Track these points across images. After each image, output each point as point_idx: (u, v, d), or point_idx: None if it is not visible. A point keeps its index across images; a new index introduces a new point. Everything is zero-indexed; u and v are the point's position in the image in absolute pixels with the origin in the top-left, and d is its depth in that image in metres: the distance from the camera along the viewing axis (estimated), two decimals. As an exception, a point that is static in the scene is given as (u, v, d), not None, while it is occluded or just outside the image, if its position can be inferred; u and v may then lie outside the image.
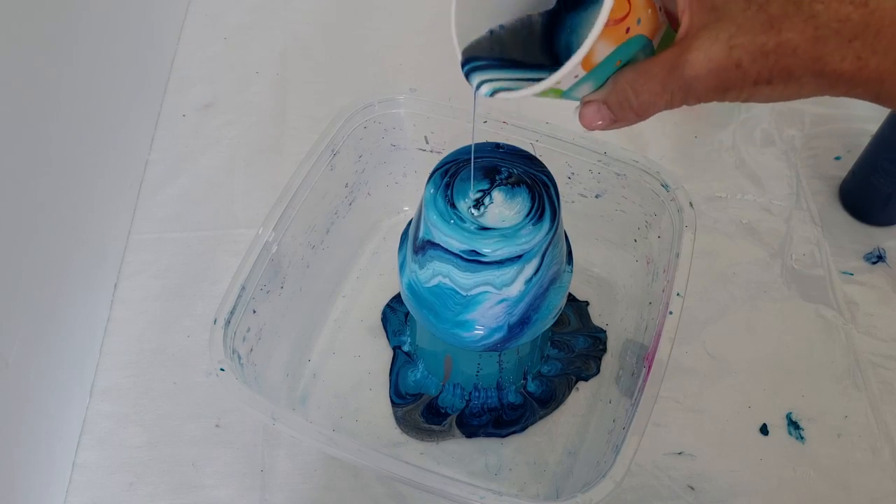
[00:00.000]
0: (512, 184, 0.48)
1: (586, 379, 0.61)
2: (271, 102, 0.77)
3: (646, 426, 0.46)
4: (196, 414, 0.59)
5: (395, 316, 0.64)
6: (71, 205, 0.61)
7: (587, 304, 0.64)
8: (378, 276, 0.66)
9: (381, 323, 0.64)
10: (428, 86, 0.77)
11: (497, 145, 0.51)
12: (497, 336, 0.50)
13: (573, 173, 0.60)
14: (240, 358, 0.52)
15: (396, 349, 0.62)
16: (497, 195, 0.48)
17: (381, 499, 0.55)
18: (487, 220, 0.47)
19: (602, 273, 0.66)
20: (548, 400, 0.60)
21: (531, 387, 0.60)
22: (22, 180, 0.54)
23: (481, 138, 0.58)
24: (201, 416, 0.59)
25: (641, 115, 0.36)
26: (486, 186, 0.48)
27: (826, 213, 0.69)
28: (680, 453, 0.57)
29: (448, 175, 0.49)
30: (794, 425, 0.58)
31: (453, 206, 0.48)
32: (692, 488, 0.56)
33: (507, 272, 0.49)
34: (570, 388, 0.60)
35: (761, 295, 0.65)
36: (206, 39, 0.82)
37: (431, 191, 0.48)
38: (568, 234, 0.55)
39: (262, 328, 0.55)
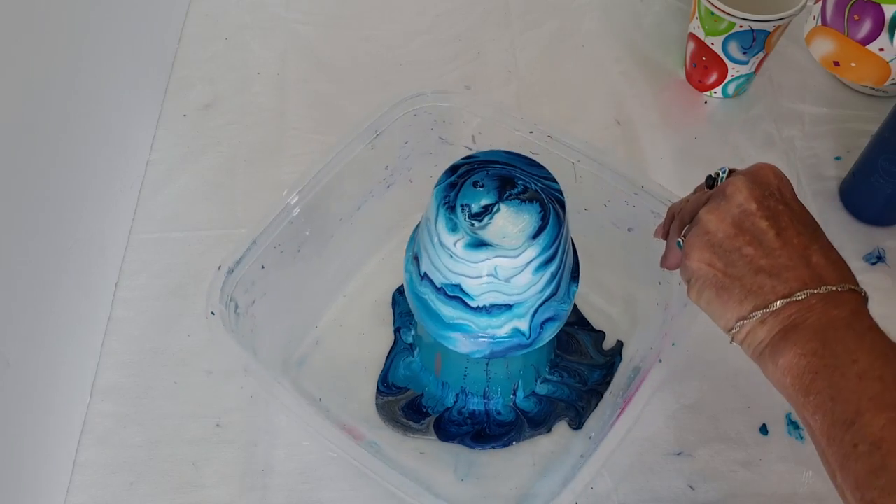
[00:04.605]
0: (523, 199, 0.47)
1: (578, 424, 0.58)
2: (271, 102, 0.77)
3: (601, 466, 0.46)
4: (196, 414, 0.59)
5: (404, 301, 0.64)
6: (71, 205, 0.61)
7: (604, 335, 0.62)
8: (401, 262, 0.66)
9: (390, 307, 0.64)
10: (428, 86, 0.78)
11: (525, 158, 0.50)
12: (479, 354, 0.51)
13: (609, 201, 0.59)
14: (237, 307, 0.53)
15: (397, 333, 0.62)
16: (504, 209, 0.47)
17: (381, 499, 0.55)
18: (489, 232, 0.46)
19: (621, 308, 0.64)
20: (541, 422, 0.58)
21: (526, 404, 0.59)
22: (22, 180, 0.54)
23: (525, 149, 0.56)
24: (201, 416, 0.59)
25: None
26: (493, 200, 0.47)
27: (826, 213, 0.69)
28: (679, 453, 0.57)
29: (457, 174, 0.49)
30: (793, 425, 0.58)
31: (452, 209, 0.47)
32: (692, 488, 0.56)
33: (495, 320, 0.48)
34: (566, 416, 0.58)
35: (761, 295, 0.65)
36: (207, 39, 0.82)
37: (439, 187, 0.48)
38: (596, 261, 0.54)
39: (269, 285, 0.55)
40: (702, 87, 0.77)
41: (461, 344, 0.50)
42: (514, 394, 0.59)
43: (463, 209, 0.47)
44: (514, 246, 0.46)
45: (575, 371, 0.60)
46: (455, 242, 0.46)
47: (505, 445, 0.57)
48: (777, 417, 0.59)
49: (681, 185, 0.70)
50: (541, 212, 0.47)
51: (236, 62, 0.80)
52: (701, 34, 0.72)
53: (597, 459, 0.46)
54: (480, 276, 0.47)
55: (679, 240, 0.45)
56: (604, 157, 0.57)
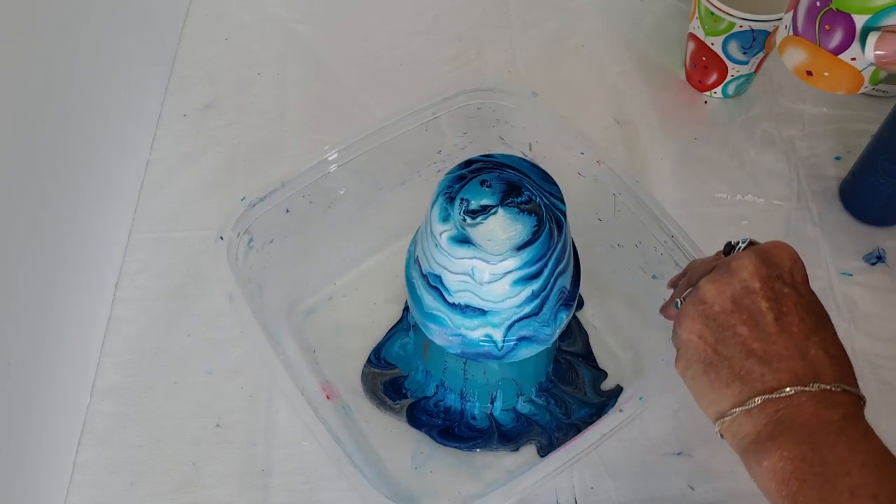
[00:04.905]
0: (523, 209, 0.47)
1: (546, 452, 0.57)
2: (271, 102, 0.77)
3: (533, 483, 0.46)
4: (196, 414, 0.59)
5: None
6: (71, 205, 0.61)
7: (605, 375, 0.61)
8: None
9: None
10: (429, 86, 0.78)
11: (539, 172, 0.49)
12: (452, 350, 0.51)
13: (640, 242, 0.57)
14: (251, 241, 0.53)
15: (404, 312, 0.63)
16: (501, 213, 0.46)
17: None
18: (477, 233, 0.46)
19: (631, 354, 0.62)
20: (512, 439, 0.57)
21: (503, 417, 0.58)
22: (23, 180, 0.54)
23: (573, 169, 0.56)
24: (202, 416, 0.59)
25: None
26: (494, 202, 0.47)
27: (826, 213, 0.69)
28: (679, 453, 0.57)
29: (469, 169, 0.48)
30: (793, 425, 0.58)
31: (450, 200, 0.47)
32: (692, 488, 0.56)
33: (468, 321, 0.48)
34: (538, 441, 0.57)
35: (761, 295, 0.65)
36: (207, 39, 0.82)
37: (447, 176, 0.48)
38: (617, 301, 0.53)
39: (291, 230, 0.56)
40: (702, 87, 0.77)
41: (437, 335, 0.50)
42: (492, 403, 0.58)
43: (461, 203, 0.47)
44: (496, 252, 0.45)
45: (563, 401, 0.59)
46: (442, 233, 0.46)
47: (469, 449, 0.57)
48: (777, 417, 0.59)
49: (681, 185, 0.71)
50: (535, 226, 0.46)
51: (236, 62, 0.80)
52: (701, 34, 0.72)
53: (531, 475, 0.46)
54: (458, 274, 0.46)
55: (678, 300, 0.43)
56: (645, 195, 0.56)
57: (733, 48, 0.71)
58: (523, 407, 0.59)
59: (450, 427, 0.58)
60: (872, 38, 0.43)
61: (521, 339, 0.49)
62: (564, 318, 0.50)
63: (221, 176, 0.72)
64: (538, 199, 0.47)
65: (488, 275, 0.46)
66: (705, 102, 0.77)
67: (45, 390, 0.56)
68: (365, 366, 0.61)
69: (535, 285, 0.47)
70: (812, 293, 0.40)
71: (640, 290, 0.59)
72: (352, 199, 0.58)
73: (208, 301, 0.64)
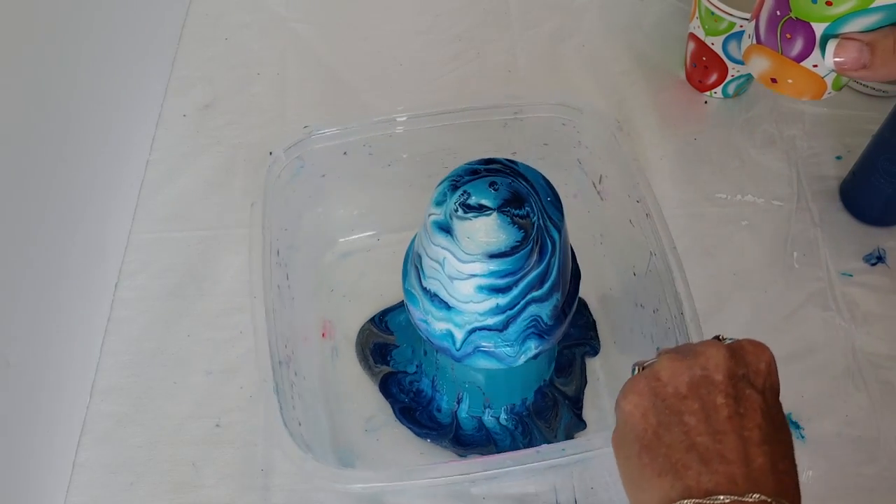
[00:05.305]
0: (516, 221, 0.46)
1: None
2: (271, 102, 0.77)
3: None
4: (196, 414, 0.59)
5: None
6: (71, 205, 0.61)
7: (584, 426, 0.58)
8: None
9: None
10: (430, 87, 0.78)
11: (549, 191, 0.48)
12: (420, 333, 0.51)
13: (657, 309, 0.54)
14: (302, 166, 0.55)
15: None
16: (494, 217, 0.45)
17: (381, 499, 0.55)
18: (461, 227, 0.45)
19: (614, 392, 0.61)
20: (466, 444, 0.57)
21: (466, 422, 0.57)
22: (22, 180, 0.54)
23: (624, 216, 0.55)
24: (201, 416, 0.59)
25: None
26: (492, 205, 0.46)
27: (826, 213, 0.69)
28: (680, 453, 0.57)
29: (486, 167, 0.47)
30: (794, 425, 0.58)
31: (453, 188, 0.47)
32: (692, 488, 0.56)
33: (435, 311, 0.48)
34: (486, 454, 0.55)
35: (761, 295, 0.65)
36: (207, 39, 0.82)
37: (461, 167, 0.48)
38: (627, 359, 0.51)
39: (345, 171, 0.58)
40: (702, 87, 0.77)
41: (411, 314, 0.51)
42: (458, 403, 0.58)
43: (462, 195, 0.46)
44: (468, 251, 0.45)
45: (530, 433, 0.57)
46: (430, 215, 0.46)
47: (420, 436, 0.58)
48: (777, 418, 0.59)
49: (681, 185, 0.71)
50: (517, 241, 0.45)
51: (236, 62, 0.80)
52: (701, 34, 0.72)
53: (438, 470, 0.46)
54: (432, 260, 0.47)
55: (635, 366, 0.40)
56: (674, 264, 0.52)
57: (733, 48, 0.71)
58: (489, 421, 0.58)
59: (413, 409, 0.58)
60: (831, 46, 0.44)
61: (480, 349, 0.48)
62: (533, 347, 0.49)
63: (221, 176, 0.72)
64: (536, 218, 0.46)
65: (455, 271, 0.45)
66: (705, 102, 0.77)
67: (45, 390, 0.56)
68: (367, 322, 0.62)
69: (502, 300, 0.46)
70: (778, 405, 0.37)
71: (646, 357, 0.58)
72: (412, 166, 0.58)
73: (208, 301, 0.64)
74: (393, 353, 0.61)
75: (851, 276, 0.66)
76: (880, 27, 0.42)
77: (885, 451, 0.58)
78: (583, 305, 0.63)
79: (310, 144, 0.56)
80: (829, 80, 0.47)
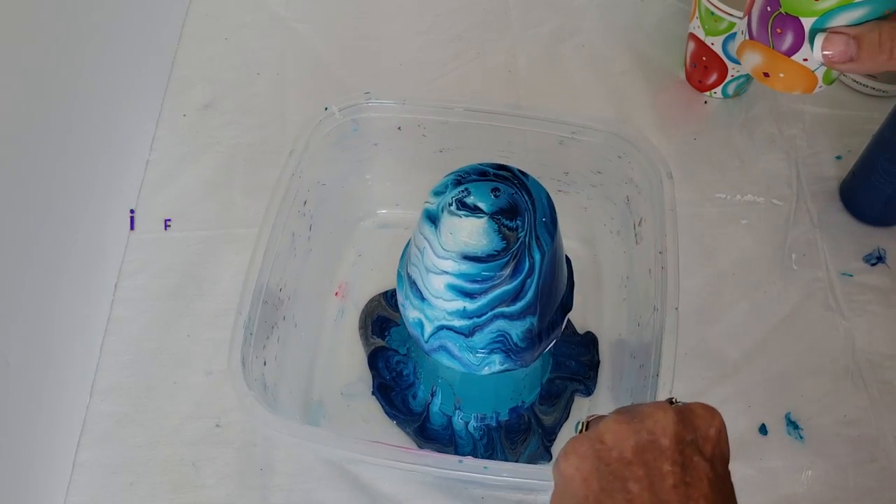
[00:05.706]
0: (504, 232, 0.45)
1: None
2: (271, 102, 0.77)
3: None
4: (196, 414, 0.59)
5: None
6: (71, 205, 0.61)
7: (550, 458, 0.57)
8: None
9: None
10: (430, 87, 0.78)
11: (548, 212, 0.47)
12: (402, 318, 0.51)
13: (643, 365, 0.53)
14: (356, 129, 0.56)
15: None
16: (483, 221, 0.45)
17: (380, 499, 0.55)
18: (447, 222, 0.45)
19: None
20: (430, 439, 0.57)
21: (436, 417, 0.57)
22: (22, 180, 0.54)
23: (644, 265, 0.54)
24: (201, 416, 0.59)
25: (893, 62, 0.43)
26: (487, 210, 0.45)
27: (826, 213, 0.69)
28: (679, 453, 0.57)
29: (496, 171, 0.47)
30: (793, 425, 0.58)
31: (457, 183, 0.46)
32: (692, 488, 0.56)
33: (413, 299, 0.48)
34: (447, 452, 0.55)
35: (761, 295, 0.65)
36: (207, 39, 0.82)
37: (473, 165, 0.48)
38: (608, 382, 0.52)
39: (397, 147, 0.59)
40: (702, 87, 0.77)
41: (397, 293, 0.51)
42: (432, 397, 0.57)
43: (461, 192, 0.46)
44: (445, 247, 0.44)
45: (493, 447, 0.57)
46: (425, 202, 0.47)
47: (388, 415, 0.59)
48: (777, 417, 0.59)
49: (680, 185, 0.70)
50: (495, 251, 0.44)
51: (236, 62, 0.80)
52: (701, 34, 0.72)
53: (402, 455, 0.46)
54: (416, 248, 0.47)
55: (579, 424, 0.38)
56: (669, 327, 0.50)
57: (733, 48, 0.70)
58: (458, 423, 0.57)
59: (391, 388, 0.59)
60: (819, 40, 0.45)
61: (445, 348, 0.48)
62: (498, 363, 0.48)
63: (221, 176, 0.72)
64: (523, 234, 0.45)
65: (431, 264, 0.45)
66: (705, 102, 0.77)
67: (45, 390, 0.56)
68: (378, 294, 0.63)
69: (469, 304, 0.45)
70: (727, 473, 0.36)
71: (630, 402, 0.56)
72: (462, 158, 0.56)
73: (208, 301, 0.64)
74: (391, 331, 0.61)
75: (851, 276, 0.66)
76: (867, 21, 0.44)
77: (885, 450, 0.58)
78: (592, 343, 0.62)
79: (366, 111, 0.56)
80: (819, 74, 0.48)
